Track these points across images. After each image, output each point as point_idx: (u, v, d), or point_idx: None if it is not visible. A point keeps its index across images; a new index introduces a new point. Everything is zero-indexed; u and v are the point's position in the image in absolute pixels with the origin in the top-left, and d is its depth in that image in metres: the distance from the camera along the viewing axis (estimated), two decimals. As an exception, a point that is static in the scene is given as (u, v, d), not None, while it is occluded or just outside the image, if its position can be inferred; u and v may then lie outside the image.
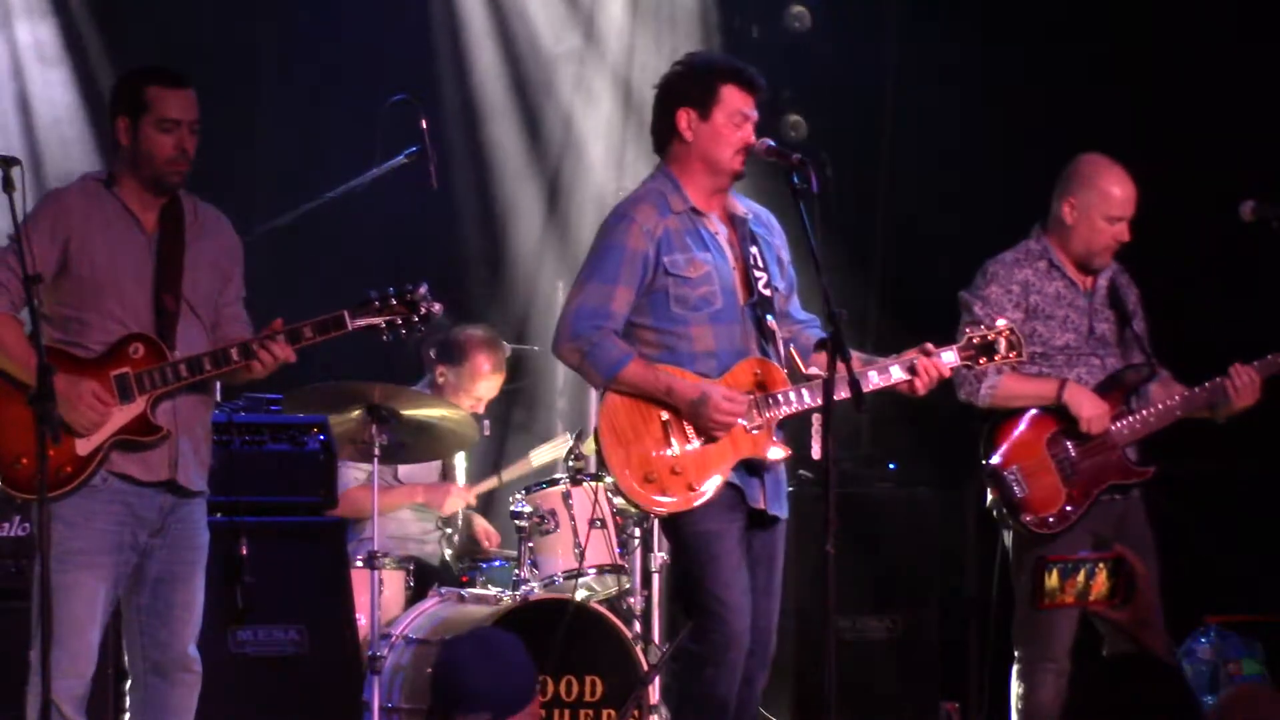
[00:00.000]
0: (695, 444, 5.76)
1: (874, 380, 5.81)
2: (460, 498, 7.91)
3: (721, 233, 5.90)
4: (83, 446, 5.60)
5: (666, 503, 5.75)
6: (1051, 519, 6.46)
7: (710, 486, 5.75)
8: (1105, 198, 6.55)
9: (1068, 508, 6.47)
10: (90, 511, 5.61)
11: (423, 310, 5.80)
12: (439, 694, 3.99)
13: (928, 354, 5.85)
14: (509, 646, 4.08)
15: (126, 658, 5.82)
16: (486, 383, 8.00)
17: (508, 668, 4.03)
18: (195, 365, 5.66)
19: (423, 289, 5.81)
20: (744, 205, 6.00)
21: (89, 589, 5.59)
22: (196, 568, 5.78)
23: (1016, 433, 6.51)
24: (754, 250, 5.89)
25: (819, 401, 5.77)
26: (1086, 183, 6.57)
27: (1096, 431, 6.45)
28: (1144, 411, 6.54)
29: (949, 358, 5.89)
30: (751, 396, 5.79)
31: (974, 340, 5.95)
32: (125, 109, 5.73)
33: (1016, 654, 6.55)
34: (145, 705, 5.76)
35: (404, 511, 7.93)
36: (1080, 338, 6.58)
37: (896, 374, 5.84)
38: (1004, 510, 6.49)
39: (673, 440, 5.77)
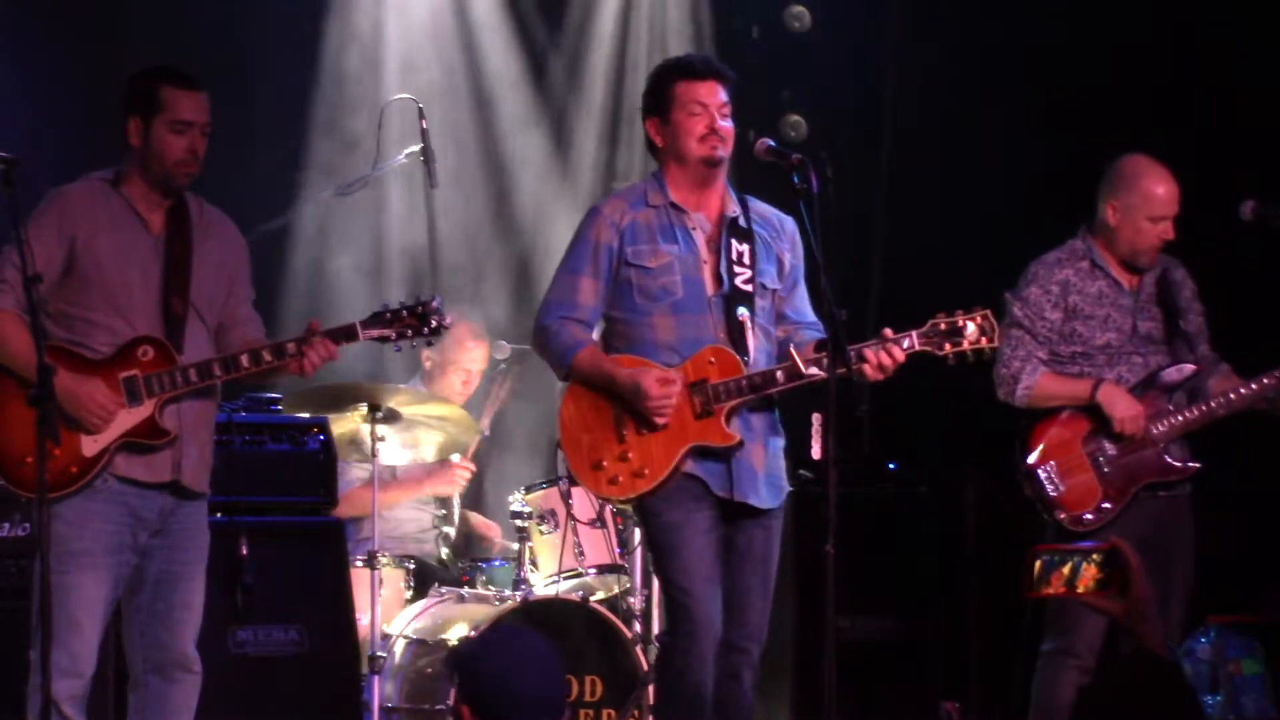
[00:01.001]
0: (644, 432, 5.82)
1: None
2: (464, 470, 7.89)
3: (701, 229, 5.94)
4: (89, 447, 5.60)
5: (614, 489, 5.83)
6: (1088, 516, 6.47)
7: (658, 473, 5.79)
8: (1148, 198, 6.56)
9: (1105, 505, 6.48)
10: (91, 512, 5.61)
11: (433, 322, 5.83)
12: (482, 698, 3.89)
13: (881, 340, 5.81)
14: (548, 649, 4.01)
15: (126, 658, 5.82)
16: (469, 353, 8.04)
17: (551, 670, 3.97)
18: (204, 370, 5.66)
19: (435, 301, 5.84)
20: (752, 206, 6.01)
21: (89, 589, 5.59)
22: (196, 568, 5.78)
23: (1052, 430, 6.52)
24: (743, 247, 5.93)
25: (760, 385, 5.79)
26: (1129, 184, 6.58)
27: (1130, 432, 6.45)
28: (1185, 410, 6.53)
29: (908, 344, 5.84)
30: (705, 382, 5.81)
31: (940, 326, 5.89)
32: (137, 109, 5.72)
33: (1043, 646, 6.57)
34: (145, 705, 5.76)
35: (401, 510, 7.92)
36: (1123, 336, 6.59)
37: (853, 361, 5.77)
38: (1039, 507, 6.50)
39: (624, 429, 5.82)
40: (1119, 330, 6.59)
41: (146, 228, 5.75)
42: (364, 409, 7.14)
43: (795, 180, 5.65)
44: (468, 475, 7.90)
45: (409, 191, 9.03)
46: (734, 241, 5.92)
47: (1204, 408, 6.54)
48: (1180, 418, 6.53)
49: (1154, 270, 6.66)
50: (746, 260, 5.92)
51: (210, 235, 5.84)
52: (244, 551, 6.58)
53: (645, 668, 7.05)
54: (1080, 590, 3.80)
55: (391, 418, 7.19)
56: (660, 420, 5.78)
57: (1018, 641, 6.96)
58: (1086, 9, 8.74)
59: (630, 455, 5.82)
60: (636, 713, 7.00)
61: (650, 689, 7.01)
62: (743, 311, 5.88)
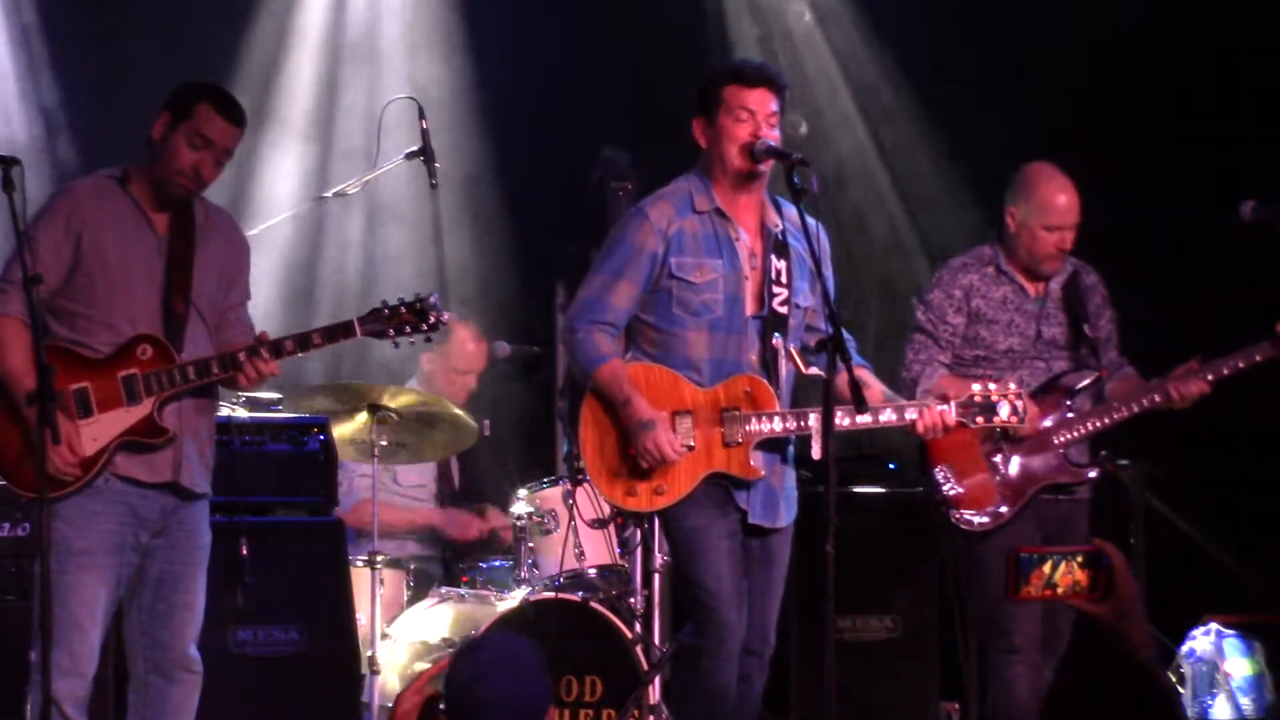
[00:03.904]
0: None
1: (885, 416, 5.88)
2: (477, 528, 7.93)
3: (744, 240, 5.92)
4: (89, 447, 5.61)
5: (631, 500, 5.85)
6: (984, 519, 6.46)
7: (676, 494, 5.83)
8: (1044, 207, 6.54)
9: (1002, 508, 6.46)
10: (92, 512, 5.62)
11: (431, 319, 5.83)
12: (454, 705, 3.94)
13: (920, 402, 5.94)
14: (526, 654, 4.03)
15: (127, 658, 5.82)
16: (469, 356, 8.06)
17: (524, 677, 3.98)
18: (203, 369, 5.67)
19: (433, 298, 5.85)
20: (786, 213, 5.97)
21: (90, 589, 5.60)
22: (198, 569, 5.79)
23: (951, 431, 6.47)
24: (781, 265, 5.92)
25: (793, 428, 5.84)
26: (1027, 192, 6.58)
27: (1024, 432, 6.42)
28: (1086, 415, 6.51)
29: (948, 410, 5.93)
30: (736, 413, 5.83)
31: (975, 399, 5.96)
32: (172, 109, 5.74)
33: (987, 649, 6.57)
34: (145, 705, 5.76)
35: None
36: (1026, 342, 6.58)
37: (908, 415, 5.89)
38: (940, 507, 6.50)
39: None
40: (1022, 336, 6.58)
41: (151, 227, 5.76)
42: (364, 409, 7.14)
43: (795, 180, 5.66)
44: (476, 535, 7.92)
45: (408, 192, 9.04)
46: (774, 258, 5.92)
47: (1104, 412, 6.51)
48: (1081, 423, 6.50)
49: (1062, 275, 6.64)
50: (784, 279, 5.92)
51: (214, 236, 5.85)
52: (244, 551, 6.58)
53: (645, 667, 7.05)
54: (1061, 590, 3.81)
55: (392, 418, 7.19)
56: (644, 465, 5.79)
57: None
58: (1087, 9, 8.75)
59: (651, 470, 5.83)
60: (636, 713, 7.00)
61: (650, 689, 7.02)
62: (777, 337, 5.89)
